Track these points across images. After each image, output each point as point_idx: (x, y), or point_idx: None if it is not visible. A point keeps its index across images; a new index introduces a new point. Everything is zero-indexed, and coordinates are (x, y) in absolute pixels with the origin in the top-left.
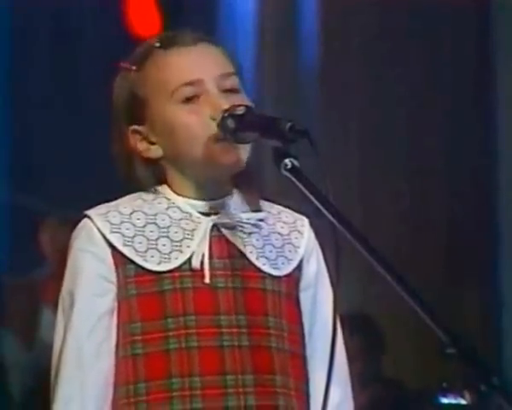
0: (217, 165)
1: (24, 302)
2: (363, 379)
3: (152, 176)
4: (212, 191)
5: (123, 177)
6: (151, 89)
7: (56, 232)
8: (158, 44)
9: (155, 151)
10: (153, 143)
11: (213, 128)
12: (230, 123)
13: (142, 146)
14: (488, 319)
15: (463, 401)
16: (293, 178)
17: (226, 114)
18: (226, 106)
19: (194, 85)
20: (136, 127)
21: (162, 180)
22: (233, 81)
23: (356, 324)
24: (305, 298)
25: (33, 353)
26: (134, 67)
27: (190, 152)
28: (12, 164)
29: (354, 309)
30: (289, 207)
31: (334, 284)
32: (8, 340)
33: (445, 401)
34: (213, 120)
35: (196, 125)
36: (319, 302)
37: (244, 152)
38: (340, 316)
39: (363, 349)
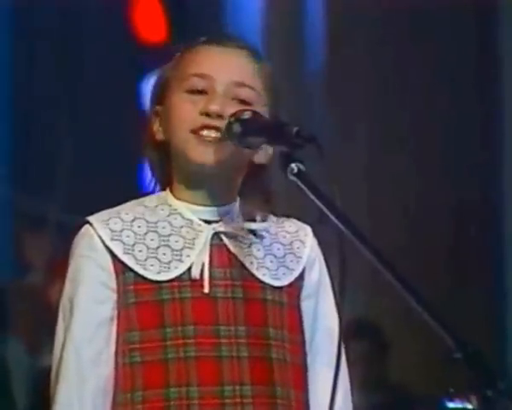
0: (188, 159)
1: (28, 307)
2: (368, 384)
3: (160, 161)
4: (210, 196)
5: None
6: (175, 73)
7: (46, 244)
8: (204, 39)
9: (160, 134)
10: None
11: (197, 123)
12: (236, 128)
13: (155, 127)
14: (492, 321)
15: (470, 406)
16: (300, 183)
17: (232, 119)
18: (216, 108)
19: (204, 80)
20: (157, 108)
21: (168, 172)
22: (247, 94)
23: (361, 329)
24: (306, 308)
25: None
26: (179, 54)
27: (173, 140)
28: (13, 165)
29: (360, 315)
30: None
31: (340, 290)
32: (13, 346)
33: (451, 405)
34: (201, 115)
35: (185, 115)
36: (321, 312)
37: (220, 154)
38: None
39: (369, 354)
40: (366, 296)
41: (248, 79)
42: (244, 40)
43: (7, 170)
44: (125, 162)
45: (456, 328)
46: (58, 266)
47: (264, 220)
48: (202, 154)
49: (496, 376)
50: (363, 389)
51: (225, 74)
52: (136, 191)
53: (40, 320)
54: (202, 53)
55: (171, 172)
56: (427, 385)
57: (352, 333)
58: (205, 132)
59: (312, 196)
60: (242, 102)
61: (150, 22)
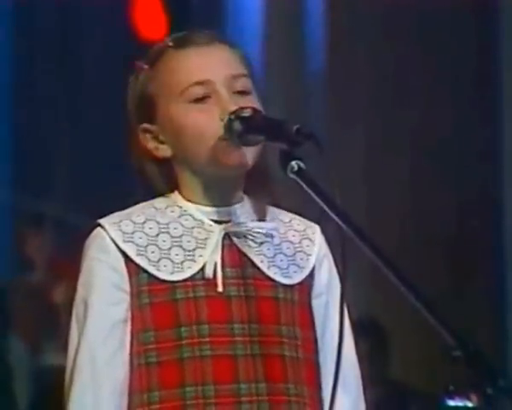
0: (221, 164)
1: (29, 305)
2: (367, 381)
3: (162, 175)
4: (222, 197)
5: (137, 175)
6: (161, 88)
7: (46, 243)
8: (171, 44)
9: (164, 151)
10: (162, 143)
11: (221, 129)
12: (237, 125)
13: (151, 145)
14: (492, 321)
15: (470, 404)
16: (300, 181)
17: (233, 117)
18: (234, 108)
19: (204, 86)
20: (146, 126)
21: (173, 180)
22: (244, 83)
23: (361, 326)
24: (317, 305)
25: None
26: (146, 66)
27: (197, 151)
28: (13, 164)
29: (360, 312)
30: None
31: (341, 287)
32: (13, 344)
33: (451, 403)
34: (222, 120)
35: (205, 124)
36: (331, 309)
37: (250, 153)
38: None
39: (369, 351)
40: (366, 292)
41: (240, 68)
42: (214, 33)
43: (7, 170)
44: (124, 161)
45: (456, 327)
46: (60, 266)
47: (271, 219)
48: (236, 156)
49: (496, 374)
50: (362, 385)
51: (220, 72)
52: (135, 191)
53: (41, 319)
54: (187, 59)
55: (177, 180)
56: (426, 381)
57: (352, 329)
58: None
59: (313, 194)
60: (242, 93)
61: (150, 20)
